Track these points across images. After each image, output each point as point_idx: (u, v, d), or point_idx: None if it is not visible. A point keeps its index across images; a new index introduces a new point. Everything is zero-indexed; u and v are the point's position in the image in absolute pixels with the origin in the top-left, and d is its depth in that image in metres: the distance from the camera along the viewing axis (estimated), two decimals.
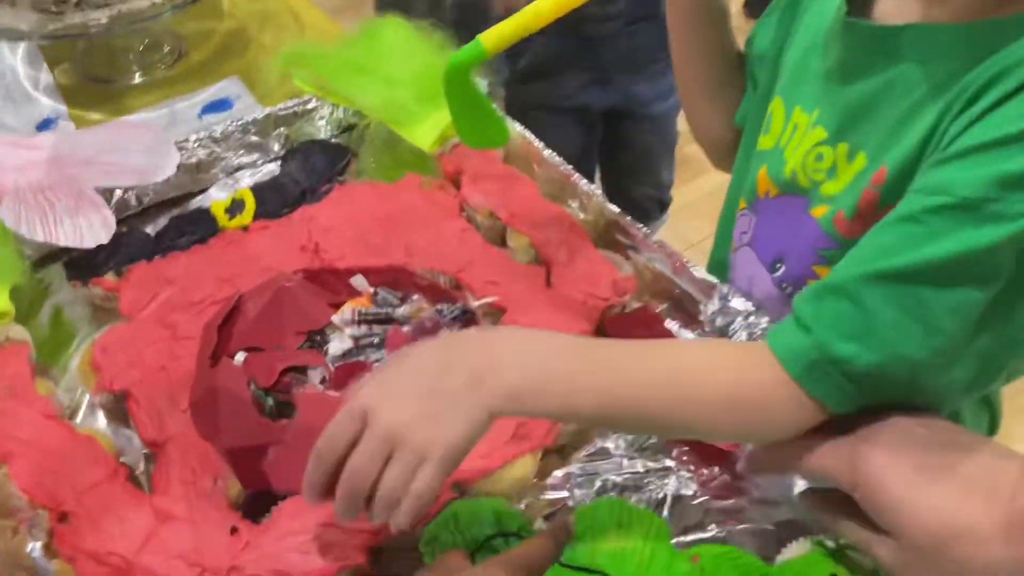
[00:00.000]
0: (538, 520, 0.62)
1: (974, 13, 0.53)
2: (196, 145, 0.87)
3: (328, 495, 0.50)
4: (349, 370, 0.67)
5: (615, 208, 0.79)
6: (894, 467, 0.49)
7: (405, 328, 0.70)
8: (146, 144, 0.85)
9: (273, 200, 0.83)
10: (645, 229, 0.77)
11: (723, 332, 0.70)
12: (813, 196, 0.64)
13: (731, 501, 0.63)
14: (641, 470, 0.65)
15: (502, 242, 0.79)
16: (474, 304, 0.72)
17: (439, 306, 0.72)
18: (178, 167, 0.83)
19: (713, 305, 0.71)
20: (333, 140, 0.92)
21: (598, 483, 0.64)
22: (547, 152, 0.85)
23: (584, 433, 0.66)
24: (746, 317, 0.69)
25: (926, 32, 0.56)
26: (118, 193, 0.84)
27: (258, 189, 0.84)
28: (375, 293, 0.73)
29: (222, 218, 0.81)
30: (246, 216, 0.81)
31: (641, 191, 1.42)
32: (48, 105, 1.02)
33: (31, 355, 0.70)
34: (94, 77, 1.07)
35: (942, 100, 0.53)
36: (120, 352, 0.70)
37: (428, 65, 0.86)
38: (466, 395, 0.47)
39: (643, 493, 0.63)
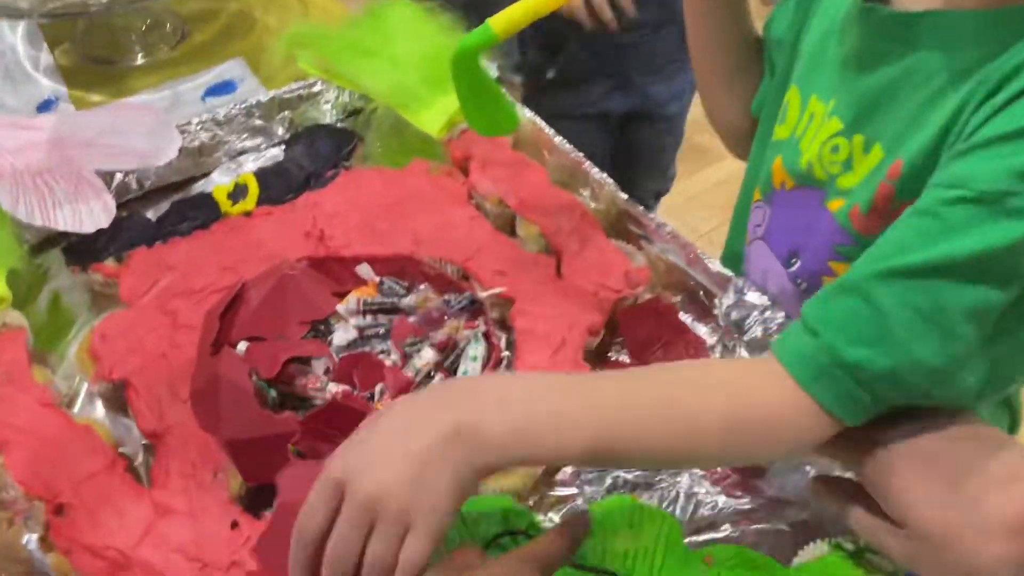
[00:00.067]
0: (547, 518, 0.61)
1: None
2: (199, 128, 0.86)
3: None
4: (353, 361, 0.65)
5: (627, 197, 0.77)
6: (905, 456, 0.49)
7: (411, 318, 0.69)
8: (147, 127, 0.83)
9: (277, 185, 0.82)
10: (658, 219, 0.75)
11: (738, 327, 0.68)
12: (830, 189, 0.62)
13: (745, 500, 0.61)
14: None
15: (511, 231, 0.78)
16: (482, 294, 0.70)
17: (446, 296, 0.71)
18: (180, 151, 0.81)
19: (728, 299, 0.69)
20: (339, 124, 0.91)
21: (608, 480, 0.62)
22: (558, 139, 0.83)
23: None
24: (762, 312, 0.68)
25: (947, 19, 0.53)
26: (119, 177, 0.82)
27: (262, 174, 0.82)
28: (381, 282, 0.72)
29: (224, 203, 0.80)
30: (249, 202, 0.80)
31: (647, 186, 1.40)
32: (48, 86, 1.00)
33: (28, 341, 0.68)
34: (95, 58, 1.06)
35: (962, 90, 0.51)
36: (119, 339, 0.68)
37: (436, 48, 0.84)
38: (448, 452, 0.44)
39: (655, 491, 0.62)
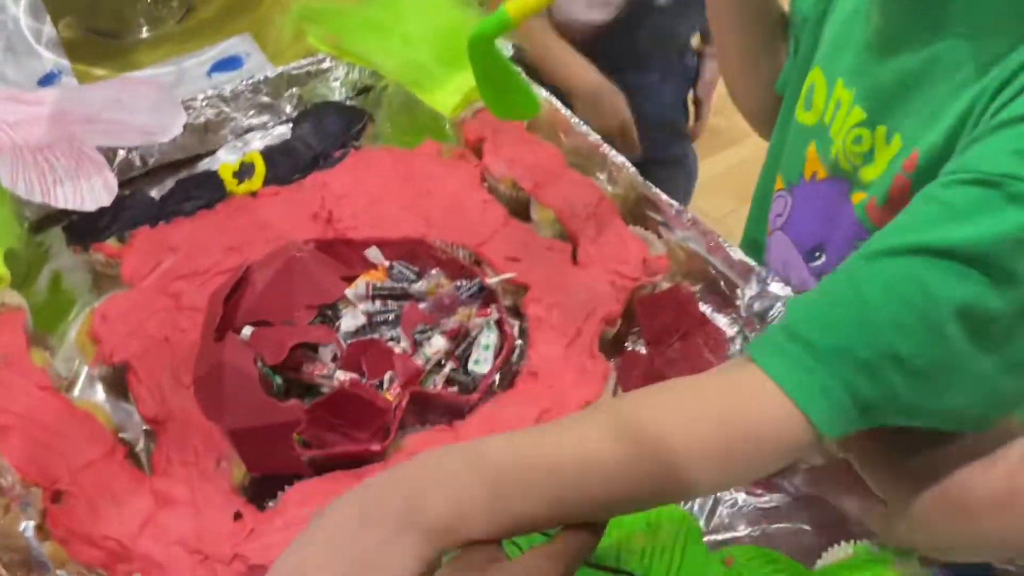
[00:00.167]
0: None
1: None
2: (204, 105, 0.84)
3: None
4: (362, 348, 0.63)
5: (647, 182, 0.74)
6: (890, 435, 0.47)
7: (422, 305, 0.67)
8: (152, 102, 0.81)
9: (284, 164, 0.79)
10: (678, 205, 0.72)
11: (761, 317, 0.66)
12: (855, 182, 0.60)
13: (766, 499, 0.59)
14: None
15: (525, 215, 0.75)
16: (494, 281, 0.68)
17: (458, 282, 0.68)
18: (185, 127, 0.79)
19: (751, 289, 0.66)
20: (348, 102, 0.89)
21: None
22: (574, 120, 0.80)
23: None
24: (785, 303, 0.65)
25: (977, 2, 0.50)
26: (121, 153, 0.80)
27: (268, 153, 0.80)
28: (391, 267, 0.69)
29: (230, 182, 0.78)
30: (255, 181, 0.78)
31: None
32: (51, 59, 0.98)
33: (27, 323, 0.67)
34: (99, 31, 1.03)
35: (983, 81, 0.49)
36: (121, 322, 0.66)
37: (450, 25, 0.81)
38: (392, 545, 0.39)
39: None
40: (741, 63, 0.75)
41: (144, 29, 1.03)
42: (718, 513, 0.59)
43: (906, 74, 0.55)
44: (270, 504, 0.58)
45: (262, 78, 0.86)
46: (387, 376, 0.62)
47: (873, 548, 0.53)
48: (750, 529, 0.58)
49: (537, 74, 0.97)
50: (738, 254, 0.68)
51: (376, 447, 0.58)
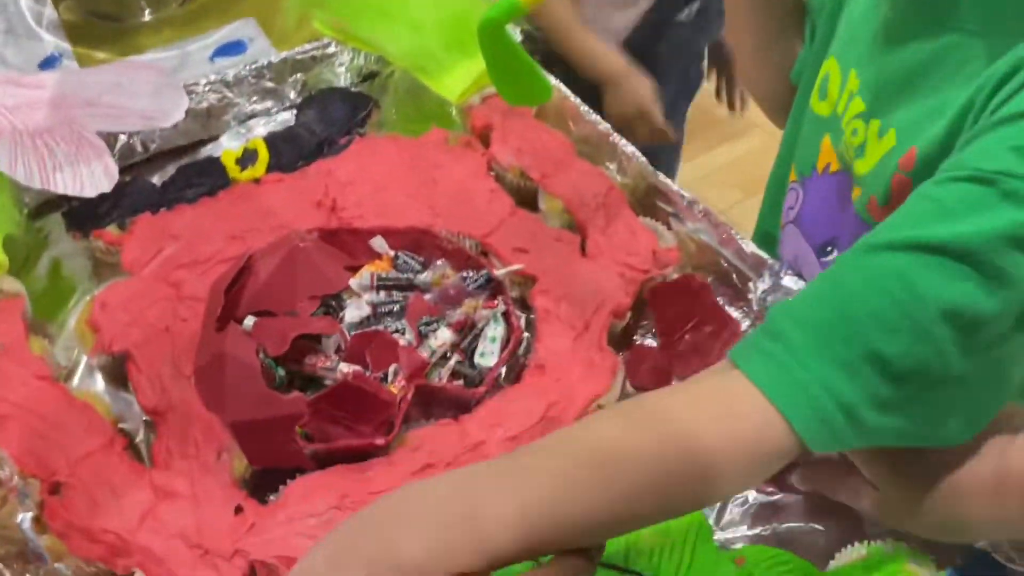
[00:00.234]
0: None
1: None
2: (207, 90, 0.82)
3: None
4: (366, 340, 0.62)
5: (658, 172, 0.73)
6: None
7: (427, 296, 0.65)
8: (153, 87, 0.79)
9: (288, 151, 0.78)
10: (690, 196, 0.71)
11: None
12: (852, 176, 0.59)
13: (778, 497, 0.58)
14: None
15: (533, 205, 0.74)
16: (501, 272, 0.67)
17: (464, 273, 0.67)
18: (187, 113, 0.77)
19: (764, 283, 0.65)
20: (353, 88, 0.87)
21: None
22: (584, 108, 0.79)
23: None
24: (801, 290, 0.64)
25: None
26: (122, 139, 0.79)
27: (272, 139, 0.79)
28: (396, 256, 0.68)
29: (233, 169, 0.76)
30: (258, 168, 0.76)
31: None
32: (51, 42, 0.97)
33: (25, 310, 0.66)
34: (100, 14, 1.02)
35: (984, 76, 0.47)
36: (121, 310, 0.65)
37: (458, 10, 0.79)
38: None
39: None
40: (755, 50, 0.74)
41: (146, 12, 1.02)
42: (728, 511, 0.58)
43: (910, 68, 0.53)
44: (272, 498, 0.57)
45: (266, 63, 0.84)
46: (391, 369, 0.60)
47: (887, 549, 0.52)
48: (760, 528, 0.57)
49: (551, 59, 0.96)
50: (750, 247, 0.67)
51: (380, 441, 0.57)
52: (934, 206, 0.43)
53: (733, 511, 0.58)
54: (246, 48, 0.96)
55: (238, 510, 0.55)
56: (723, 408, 0.43)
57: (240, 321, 0.62)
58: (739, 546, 0.56)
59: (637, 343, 0.67)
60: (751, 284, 0.66)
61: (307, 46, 0.86)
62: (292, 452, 0.57)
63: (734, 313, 0.67)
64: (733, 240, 0.68)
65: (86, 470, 0.56)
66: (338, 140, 0.80)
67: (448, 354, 0.62)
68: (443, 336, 0.62)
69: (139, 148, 0.80)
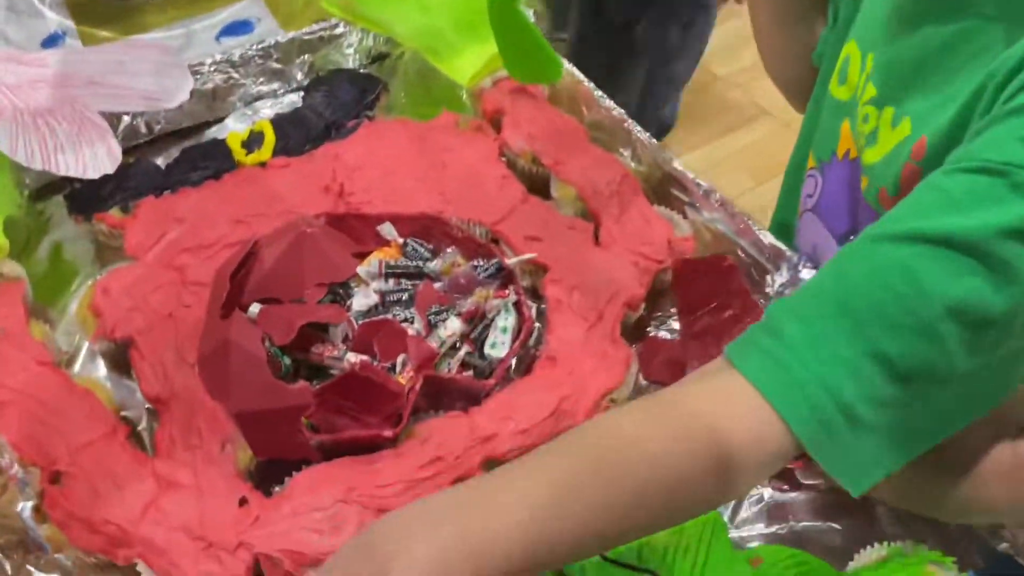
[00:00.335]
0: None
1: None
2: (212, 70, 0.81)
3: None
4: (374, 329, 0.61)
5: (673, 159, 0.71)
6: None
7: (437, 284, 0.64)
8: (158, 67, 0.78)
9: (295, 134, 0.76)
10: (706, 185, 0.69)
11: None
12: (862, 164, 0.57)
13: (794, 495, 0.57)
14: None
15: (545, 192, 0.72)
16: (512, 261, 0.65)
17: (475, 262, 0.65)
18: (192, 94, 0.76)
19: (781, 276, 0.64)
20: (362, 70, 0.85)
21: None
22: (598, 93, 0.77)
23: None
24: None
25: None
26: (126, 119, 0.77)
27: (278, 121, 0.77)
28: (405, 244, 0.67)
29: (238, 152, 0.75)
30: (265, 151, 0.75)
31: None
32: (54, 20, 0.95)
33: (26, 294, 0.64)
34: None
35: (995, 63, 0.45)
36: (124, 296, 0.64)
37: None
38: None
39: None
40: (776, 29, 0.72)
41: None
42: (743, 508, 0.56)
43: (924, 53, 0.52)
44: (277, 489, 0.55)
45: (273, 43, 0.83)
46: (400, 359, 0.59)
47: (907, 550, 0.51)
48: (776, 526, 0.56)
49: None
50: (768, 238, 0.65)
51: (388, 433, 0.56)
52: (941, 197, 0.41)
53: (748, 509, 0.56)
54: (253, 28, 0.94)
55: (242, 502, 0.54)
56: (725, 406, 0.42)
57: (245, 308, 0.61)
58: (754, 544, 0.55)
59: (651, 335, 0.66)
60: (769, 277, 0.64)
61: (315, 26, 0.84)
62: (298, 443, 0.55)
63: None
64: (750, 230, 0.66)
65: (87, 459, 0.55)
66: (346, 123, 0.78)
67: (458, 344, 0.61)
68: (453, 326, 0.61)
69: (143, 129, 0.79)
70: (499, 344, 0.61)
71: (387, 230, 0.68)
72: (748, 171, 1.89)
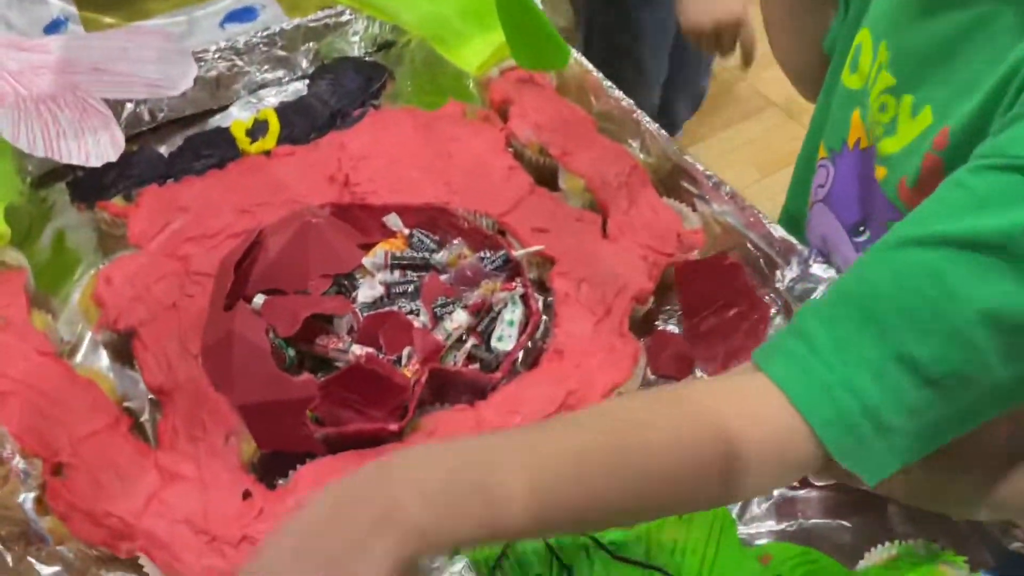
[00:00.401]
0: None
1: None
2: (216, 57, 0.80)
3: None
4: (380, 321, 0.60)
5: (683, 151, 0.70)
6: None
7: (443, 276, 0.63)
8: (161, 53, 0.76)
9: (300, 123, 0.76)
10: (716, 177, 0.68)
11: (802, 300, 0.62)
12: (876, 154, 0.56)
13: (804, 492, 0.56)
14: None
15: (553, 183, 0.71)
16: (519, 253, 0.65)
17: (481, 253, 0.65)
18: (196, 81, 0.74)
19: (791, 271, 0.63)
20: (367, 58, 0.85)
21: None
22: (607, 83, 0.76)
23: None
24: (829, 285, 0.61)
25: None
26: (129, 107, 0.77)
27: (283, 110, 0.77)
28: (411, 235, 0.66)
29: (243, 140, 0.74)
30: (269, 140, 0.74)
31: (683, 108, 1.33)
32: (57, 5, 0.94)
33: (28, 283, 0.64)
34: None
35: (1021, 51, 0.44)
36: (127, 285, 0.63)
37: None
38: (365, 548, 0.37)
39: None
40: (787, 18, 0.71)
41: None
42: (752, 505, 0.56)
43: (941, 39, 0.50)
44: (280, 482, 0.55)
45: (277, 30, 0.82)
46: (406, 351, 0.58)
47: (918, 549, 0.50)
48: (786, 523, 0.55)
49: None
50: (779, 231, 0.65)
51: (393, 426, 0.55)
52: (966, 196, 0.40)
53: (757, 506, 0.56)
54: (257, 14, 0.93)
55: (246, 495, 0.53)
56: (747, 408, 0.41)
57: (249, 299, 0.60)
58: (763, 541, 0.54)
59: (659, 329, 0.65)
60: (779, 272, 0.64)
61: (320, 13, 0.83)
62: (302, 436, 0.55)
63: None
64: (760, 223, 0.65)
65: (89, 450, 0.55)
66: (351, 112, 0.78)
67: (464, 337, 0.60)
68: (459, 318, 0.60)
69: (146, 117, 0.78)
70: (506, 337, 0.60)
71: (393, 221, 0.67)
72: (754, 163, 1.87)
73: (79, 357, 0.63)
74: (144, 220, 0.68)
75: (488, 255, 0.64)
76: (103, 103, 0.71)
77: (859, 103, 0.60)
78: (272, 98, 0.82)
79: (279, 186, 0.69)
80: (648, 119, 0.73)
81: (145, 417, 0.60)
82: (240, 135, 0.74)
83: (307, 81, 0.82)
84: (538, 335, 0.62)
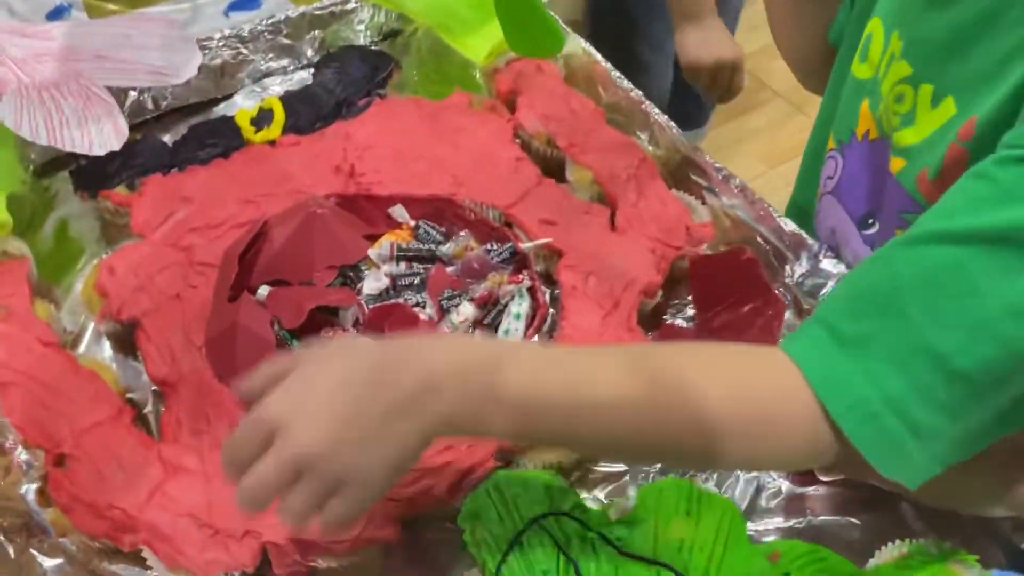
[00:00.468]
0: (591, 496, 0.55)
1: None
2: (221, 45, 0.79)
3: None
4: (385, 313, 0.59)
5: (693, 144, 0.69)
6: None
7: (449, 268, 0.62)
8: (165, 41, 0.76)
9: (305, 112, 0.75)
10: (726, 170, 0.67)
11: (811, 296, 0.61)
12: (892, 145, 0.55)
13: (813, 488, 0.56)
14: None
15: (561, 175, 0.71)
16: (527, 245, 0.64)
17: (488, 245, 0.64)
18: (200, 69, 0.74)
19: (801, 266, 0.62)
20: (373, 47, 0.84)
21: None
22: (615, 74, 0.75)
23: None
24: (839, 281, 0.61)
25: None
26: (133, 94, 0.76)
27: (288, 99, 0.76)
28: (417, 226, 0.65)
29: (247, 130, 0.73)
30: (274, 129, 0.73)
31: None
32: None
33: (31, 273, 0.63)
34: None
35: None
36: (130, 275, 0.63)
37: None
38: (397, 421, 0.40)
39: (710, 472, 0.56)
40: (790, 8, 0.70)
41: None
42: (760, 501, 0.55)
43: (958, 28, 0.49)
44: None
45: (282, 18, 0.81)
46: None
47: (929, 548, 0.50)
48: (794, 520, 0.54)
49: None
50: (789, 225, 0.64)
51: None
52: (992, 188, 0.40)
53: (766, 502, 0.55)
54: (262, 2, 0.92)
55: None
56: (775, 380, 0.42)
57: (254, 290, 0.60)
58: (771, 539, 0.53)
59: (668, 322, 0.64)
60: (788, 267, 0.63)
61: (326, 1, 0.83)
62: None
63: None
64: (771, 217, 0.64)
65: (92, 442, 0.54)
66: (357, 101, 0.77)
67: (470, 330, 0.60)
68: (465, 311, 0.60)
69: (150, 105, 0.77)
70: (513, 330, 0.60)
71: (398, 212, 0.66)
72: (760, 156, 1.86)
73: (82, 347, 0.63)
74: (148, 210, 0.67)
75: (495, 247, 0.64)
76: (106, 91, 0.70)
77: (868, 93, 0.59)
78: (277, 87, 0.81)
79: (284, 176, 0.69)
80: (657, 111, 0.72)
81: (148, 409, 0.60)
82: (245, 124, 0.73)
83: (312, 70, 0.81)
84: (545, 328, 0.61)
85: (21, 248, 0.64)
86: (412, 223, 0.66)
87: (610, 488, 0.56)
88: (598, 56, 0.77)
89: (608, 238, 0.65)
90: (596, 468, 0.57)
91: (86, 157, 0.69)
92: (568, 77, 0.77)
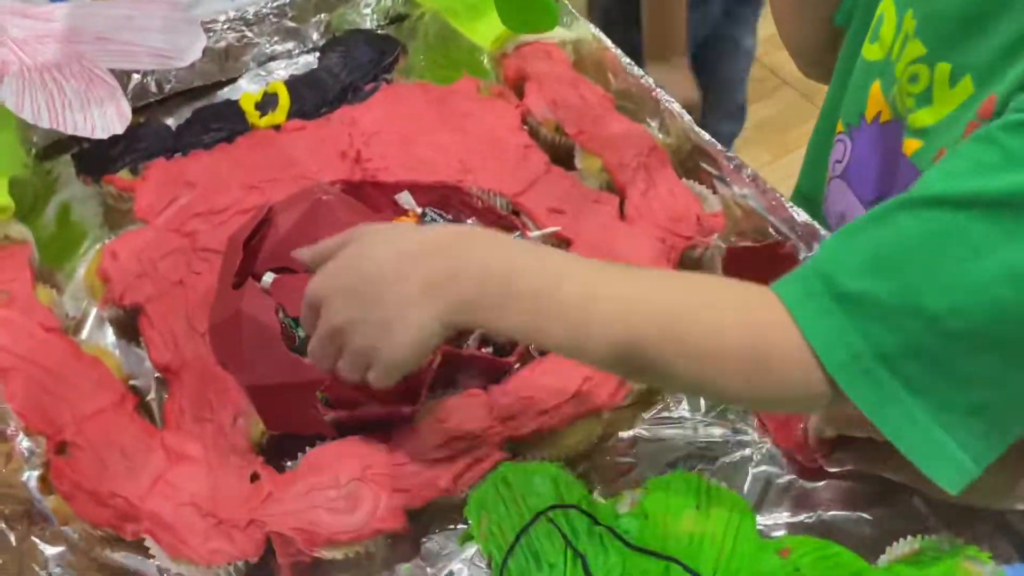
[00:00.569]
0: (598, 489, 0.54)
1: None
2: (225, 28, 0.78)
3: None
4: None
5: (702, 131, 0.68)
6: None
7: None
8: (168, 23, 0.75)
9: (310, 96, 0.74)
10: (737, 159, 0.66)
11: None
12: (906, 126, 0.54)
13: (823, 483, 0.55)
14: (718, 439, 0.57)
15: (569, 163, 0.70)
16: (535, 234, 0.63)
17: None
18: (204, 52, 0.74)
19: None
20: (380, 31, 0.83)
21: (668, 452, 0.56)
22: (625, 60, 0.74)
23: (653, 392, 0.58)
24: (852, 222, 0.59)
25: None
26: (136, 77, 0.75)
27: (293, 83, 0.75)
28: (423, 213, 0.64)
29: (252, 114, 0.72)
30: (279, 114, 0.72)
31: (722, 127, 1.30)
32: None
33: (33, 257, 0.63)
34: None
35: None
36: (133, 261, 0.62)
37: None
38: (417, 305, 0.44)
39: (719, 465, 0.55)
40: None
41: None
42: (770, 495, 0.55)
43: (973, 3, 0.48)
44: (289, 464, 0.54)
45: (288, 1, 0.80)
46: None
47: (942, 544, 0.49)
48: (804, 515, 0.54)
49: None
50: (802, 215, 0.63)
51: (405, 410, 0.54)
52: (998, 153, 0.39)
53: (775, 497, 0.54)
54: None
55: (254, 477, 0.52)
56: (756, 316, 0.43)
57: (258, 277, 0.59)
58: (781, 533, 0.53)
59: None
60: (801, 256, 0.62)
61: None
62: (312, 419, 0.54)
63: None
64: (783, 207, 0.64)
65: (94, 429, 0.54)
66: (363, 86, 0.76)
67: None
68: None
69: (153, 88, 0.76)
70: None
71: (405, 199, 0.65)
72: (765, 145, 1.85)
73: (84, 333, 0.62)
74: (151, 194, 0.66)
75: None
76: (109, 73, 0.69)
77: (880, 74, 0.58)
78: (282, 71, 0.80)
79: (289, 161, 0.68)
80: (668, 98, 0.71)
81: (151, 396, 0.59)
82: (249, 108, 0.73)
83: (318, 54, 0.80)
84: None
85: (23, 232, 0.64)
86: (419, 210, 0.65)
87: (618, 481, 0.55)
88: (608, 42, 0.76)
89: (617, 227, 0.64)
90: (605, 459, 0.56)
91: (89, 140, 0.68)
92: (577, 63, 0.76)
